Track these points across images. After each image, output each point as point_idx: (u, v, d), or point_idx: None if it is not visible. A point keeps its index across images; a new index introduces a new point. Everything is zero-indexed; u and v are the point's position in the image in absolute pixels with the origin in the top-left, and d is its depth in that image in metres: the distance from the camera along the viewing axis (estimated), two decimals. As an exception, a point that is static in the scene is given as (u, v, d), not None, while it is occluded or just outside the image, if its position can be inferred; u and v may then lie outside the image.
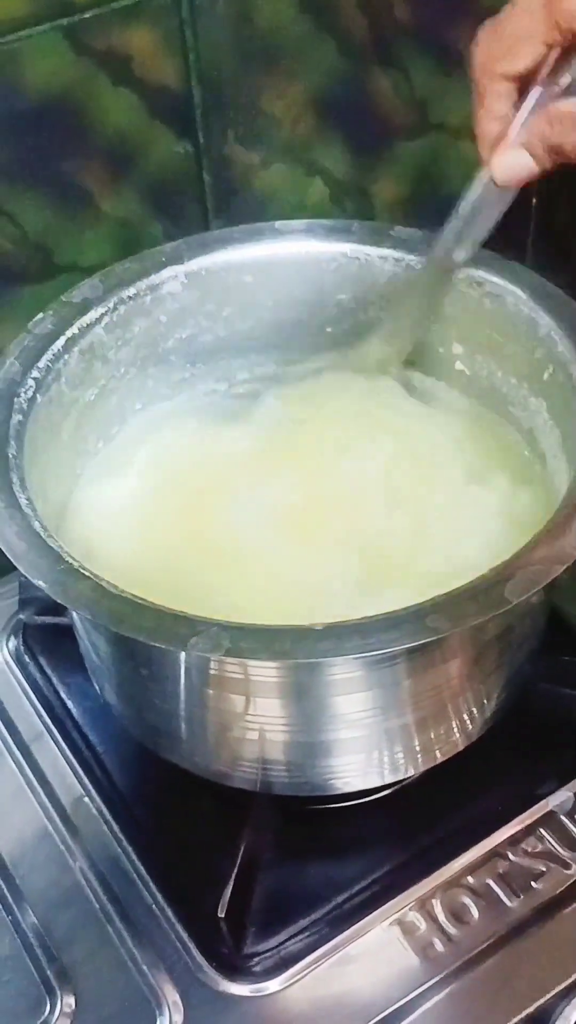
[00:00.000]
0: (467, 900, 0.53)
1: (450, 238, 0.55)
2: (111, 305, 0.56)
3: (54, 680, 0.63)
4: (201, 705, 0.50)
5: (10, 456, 0.49)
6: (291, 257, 0.59)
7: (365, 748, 0.50)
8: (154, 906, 0.54)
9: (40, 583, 0.44)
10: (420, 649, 0.46)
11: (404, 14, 0.68)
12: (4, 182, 0.60)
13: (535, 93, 0.50)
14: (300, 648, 0.42)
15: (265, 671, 0.46)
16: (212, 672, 0.48)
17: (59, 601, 0.44)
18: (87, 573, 0.44)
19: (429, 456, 0.58)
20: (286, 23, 0.64)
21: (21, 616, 0.65)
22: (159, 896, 0.54)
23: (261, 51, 0.64)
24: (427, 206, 0.76)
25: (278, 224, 0.60)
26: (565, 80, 0.49)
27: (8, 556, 0.45)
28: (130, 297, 0.57)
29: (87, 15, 0.58)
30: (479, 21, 0.70)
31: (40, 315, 0.55)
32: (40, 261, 0.64)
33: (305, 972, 0.51)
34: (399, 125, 0.72)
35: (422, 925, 0.52)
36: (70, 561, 0.45)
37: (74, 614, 0.55)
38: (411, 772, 0.54)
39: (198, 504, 0.58)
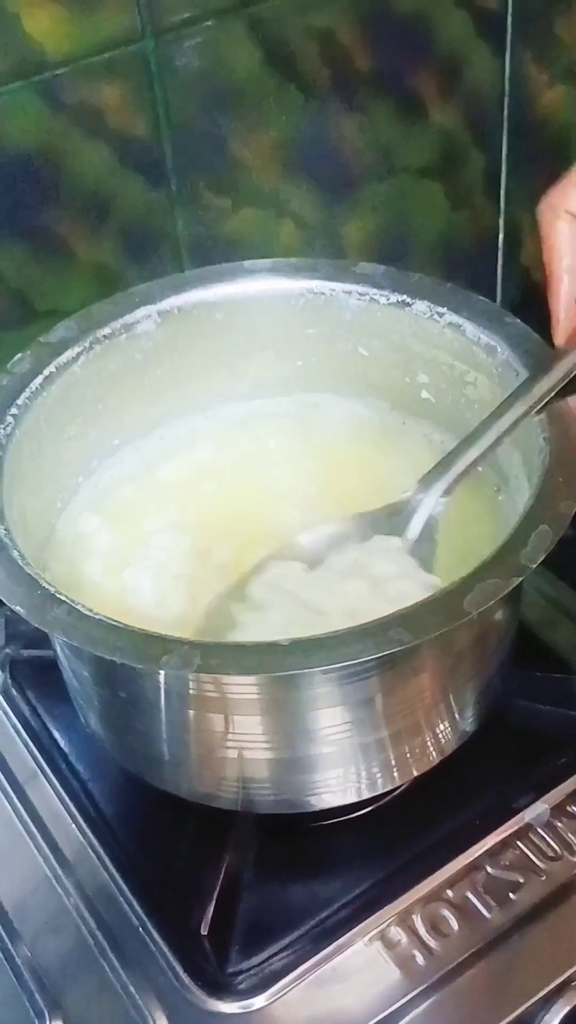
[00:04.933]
0: (447, 913, 0.54)
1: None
2: (87, 344, 0.58)
3: (41, 712, 0.64)
4: (180, 726, 0.51)
5: (-10, 490, 0.51)
6: (260, 295, 0.61)
7: (341, 763, 0.52)
8: (140, 928, 0.54)
9: (18, 608, 0.46)
10: (389, 662, 0.48)
11: (365, 63, 0.71)
12: (-17, 232, 0.63)
13: None
14: (268, 663, 0.43)
15: (240, 688, 0.48)
16: (189, 692, 0.49)
17: (36, 625, 0.45)
18: (63, 598, 0.46)
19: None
20: (252, 75, 0.67)
21: (8, 651, 0.67)
22: (145, 918, 0.55)
23: (228, 102, 0.67)
24: (394, 245, 0.79)
25: (247, 264, 0.62)
26: None
27: (-13, 584, 0.47)
28: (105, 336, 0.59)
29: (59, 72, 0.61)
30: (437, 68, 0.73)
31: (19, 355, 0.57)
32: (20, 308, 0.66)
33: (289, 988, 0.52)
34: (365, 169, 0.75)
35: (403, 939, 0.53)
36: (47, 587, 0.46)
37: (56, 645, 0.56)
38: (388, 787, 0.55)
39: (177, 534, 0.60)
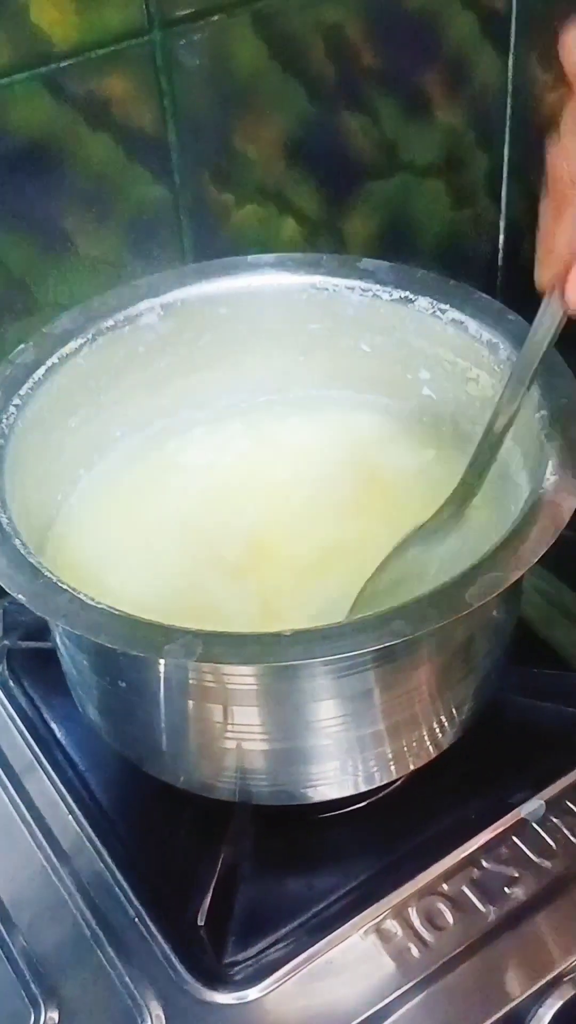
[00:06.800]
0: (442, 906, 0.54)
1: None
2: (90, 336, 0.58)
3: (38, 702, 0.65)
4: (179, 716, 0.51)
5: (-7, 479, 0.51)
6: (264, 289, 0.61)
7: (339, 755, 0.52)
8: (136, 919, 0.54)
9: (20, 596, 0.46)
10: (389, 655, 0.48)
11: (371, 60, 0.71)
12: (-13, 222, 0.63)
13: None
14: (270, 653, 0.44)
15: (240, 679, 0.48)
16: (189, 681, 0.49)
17: (38, 613, 0.45)
18: (65, 587, 0.46)
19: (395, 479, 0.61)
20: (258, 70, 0.67)
21: (5, 642, 0.67)
22: (141, 909, 0.55)
23: (234, 96, 0.67)
24: (396, 243, 0.79)
25: (251, 258, 0.62)
26: None
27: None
28: (109, 328, 0.59)
29: (65, 63, 0.61)
30: (443, 66, 0.74)
31: (22, 346, 0.57)
32: (23, 298, 0.66)
33: (285, 979, 0.52)
34: (369, 166, 0.75)
35: (398, 932, 0.53)
36: (49, 576, 0.46)
37: (56, 636, 0.56)
38: (385, 780, 0.55)
39: (177, 527, 0.60)
